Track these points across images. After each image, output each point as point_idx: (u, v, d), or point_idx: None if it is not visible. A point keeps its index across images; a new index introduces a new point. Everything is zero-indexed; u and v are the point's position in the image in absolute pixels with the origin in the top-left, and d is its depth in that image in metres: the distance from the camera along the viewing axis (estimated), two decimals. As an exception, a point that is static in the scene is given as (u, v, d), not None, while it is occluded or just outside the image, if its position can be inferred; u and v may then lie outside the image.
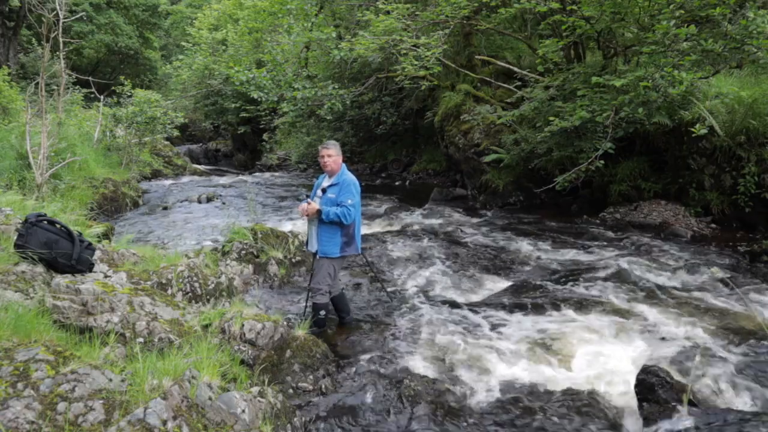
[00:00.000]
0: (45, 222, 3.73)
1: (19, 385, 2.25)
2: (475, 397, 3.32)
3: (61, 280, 3.55)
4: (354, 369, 3.63)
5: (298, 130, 16.06)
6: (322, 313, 4.22)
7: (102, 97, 13.38)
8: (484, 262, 6.18)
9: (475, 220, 8.53)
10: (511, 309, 4.72)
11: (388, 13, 10.44)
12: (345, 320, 4.45)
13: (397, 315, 4.62)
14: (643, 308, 4.59)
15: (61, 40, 8.78)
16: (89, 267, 3.88)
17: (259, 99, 12.72)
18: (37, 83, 8.27)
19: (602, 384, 3.47)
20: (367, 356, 3.83)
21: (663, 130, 7.32)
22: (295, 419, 2.91)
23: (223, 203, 11.06)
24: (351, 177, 4.17)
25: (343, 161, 4.29)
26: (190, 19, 30.84)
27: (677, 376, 3.28)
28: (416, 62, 9.34)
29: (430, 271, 5.84)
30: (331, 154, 4.11)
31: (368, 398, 3.25)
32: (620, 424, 3.02)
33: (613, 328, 4.24)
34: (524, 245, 6.79)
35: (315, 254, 4.19)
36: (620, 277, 5.38)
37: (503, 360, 3.76)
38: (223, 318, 3.72)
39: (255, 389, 2.83)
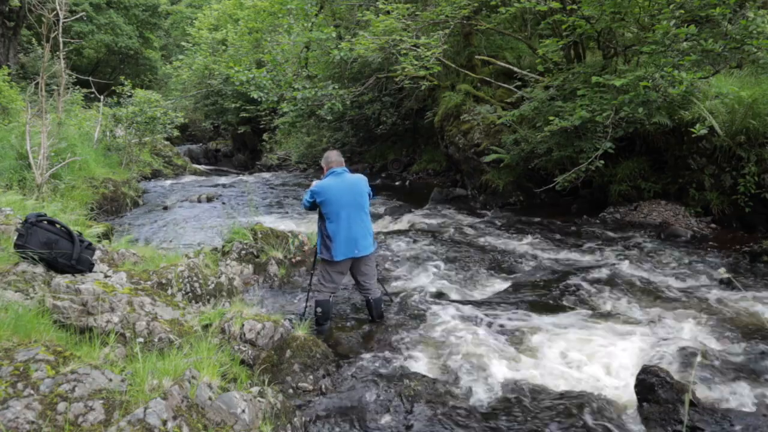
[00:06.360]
0: (45, 222, 3.73)
1: (19, 385, 2.25)
2: (475, 397, 3.32)
3: (61, 280, 3.55)
4: (354, 369, 3.63)
5: (298, 130, 16.04)
6: (319, 310, 4.25)
7: (102, 97, 13.37)
8: (484, 262, 6.18)
9: (475, 220, 8.53)
10: (511, 309, 4.72)
11: (388, 13, 10.43)
12: (375, 322, 4.47)
13: (398, 315, 4.61)
14: (643, 308, 4.59)
15: (61, 40, 8.79)
16: (89, 267, 3.88)
17: (259, 99, 12.72)
18: (37, 83, 8.27)
19: (602, 384, 3.47)
20: (367, 356, 3.83)
21: (663, 130, 7.32)
22: (295, 419, 2.91)
23: (223, 203, 11.06)
24: (316, 182, 4.31)
25: (345, 162, 4.44)
26: (190, 19, 30.82)
27: (677, 376, 3.28)
28: (416, 62, 9.33)
29: (430, 271, 5.84)
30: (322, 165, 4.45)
31: (368, 398, 3.24)
32: (620, 424, 3.02)
33: (613, 327, 4.24)
34: (524, 245, 6.79)
35: None
36: (620, 277, 5.38)
37: (503, 360, 3.76)
38: (223, 318, 3.72)
39: (255, 389, 2.83)
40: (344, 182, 4.22)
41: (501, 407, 3.19)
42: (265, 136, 21.40)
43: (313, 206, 4.29)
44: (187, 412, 2.34)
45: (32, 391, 2.24)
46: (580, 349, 3.89)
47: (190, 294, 4.32)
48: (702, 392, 3.27)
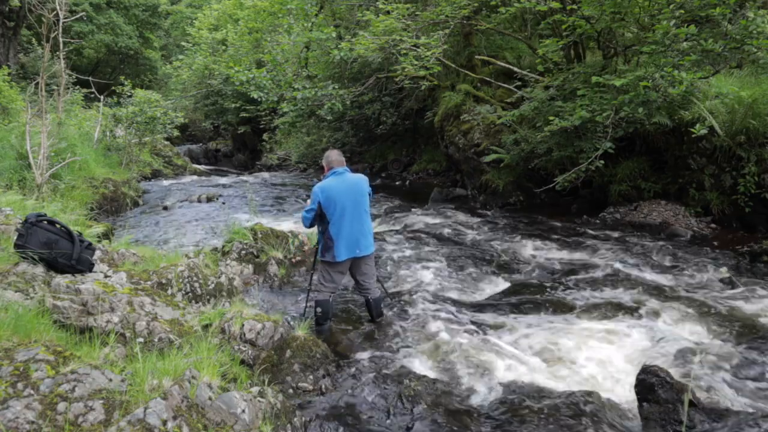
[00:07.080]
0: (45, 222, 3.73)
1: (19, 385, 2.25)
2: (476, 397, 3.32)
3: (61, 280, 3.55)
4: (354, 369, 3.63)
5: (298, 130, 16.05)
6: (319, 310, 4.25)
7: (102, 97, 13.37)
8: (484, 262, 6.18)
9: (475, 220, 8.53)
10: (511, 309, 4.72)
11: (388, 13, 10.43)
12: (375, 321, 4.46)
13: (397, 315, 4.61)
14: (642, 308, 4.59)
15: (61, 40, 8.79)
16: (89, 267, 3.88)
17: (259, 99, 12.73)
18: (37, 83, 8.27)
19: (602, 384, 3.47)
20: (367, 356, 3.83)
21: (663, 130, 7.32)
22: (295, 419, 2.91)
23: (223, 203, 11.06)
24: (317, 184, 4.26)
25: (345, 162, 4.41)
26: (190, 19, 30.82)
27: (677, 376, 3.28)
28: (416, 62, 9.33)
29: (430, 271, 5.84)
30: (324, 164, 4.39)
31: (368, 398, 3.24)
32: (620, 424, 3.02)
33: (613, 327, 4.24)
34: (524, 245, 6.79)
35: None
36: (620, 277, 5.38)
37: (503, 360, 3.76)
38: (223, 318, 3.72)
39: (255, 389, 2.83)
40: (345, 182, 4.22)
41: (501, 407, 3.19)
42: (265, 136, 21.41)
43: (313, 222, 4.25)
44: (187, 412, 2.34)
45: (32, 391, 2.24)
46: (579, 349, 3.89)
47: (190, 294, 4.31)
48: (702, 392, 3.27)
